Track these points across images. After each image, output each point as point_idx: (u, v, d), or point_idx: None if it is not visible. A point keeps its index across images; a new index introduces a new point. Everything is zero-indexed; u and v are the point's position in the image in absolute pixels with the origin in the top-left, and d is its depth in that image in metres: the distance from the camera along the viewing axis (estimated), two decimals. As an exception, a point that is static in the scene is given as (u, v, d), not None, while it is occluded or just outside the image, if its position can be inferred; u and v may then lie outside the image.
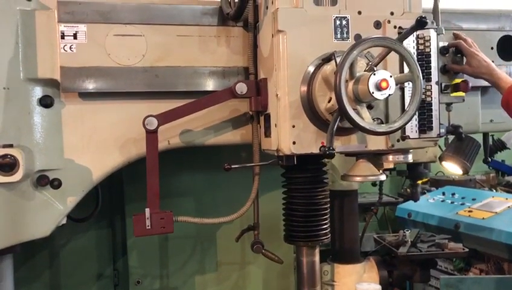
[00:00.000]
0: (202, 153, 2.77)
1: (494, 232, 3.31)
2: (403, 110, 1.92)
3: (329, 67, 1.86)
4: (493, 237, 3.31)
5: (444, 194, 4.28)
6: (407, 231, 2.92)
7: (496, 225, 3.35)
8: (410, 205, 4.15)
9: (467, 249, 2.83)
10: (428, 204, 4.16)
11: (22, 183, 1.99)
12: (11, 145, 1.92)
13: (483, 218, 3.50)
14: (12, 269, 2.13)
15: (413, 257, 2.69)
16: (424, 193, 4.47)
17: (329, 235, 2.27)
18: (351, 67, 1.72)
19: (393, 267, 2.66)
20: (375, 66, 1.74)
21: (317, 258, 2.31)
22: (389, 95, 1.68)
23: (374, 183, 3.02)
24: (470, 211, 3.71)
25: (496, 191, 4.74)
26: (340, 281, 2.54)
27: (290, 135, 1.92)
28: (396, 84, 1.73)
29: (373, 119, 1.88)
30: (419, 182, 2.91)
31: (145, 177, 2.04)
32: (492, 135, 4.33)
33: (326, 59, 1.89)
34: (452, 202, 4.07)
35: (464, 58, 2.22)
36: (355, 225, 2.65)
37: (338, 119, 1.79)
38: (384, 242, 2.92)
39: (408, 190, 4.34)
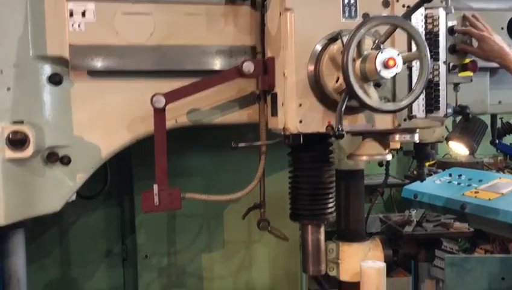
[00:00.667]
0: (210, 134, 2.80)
1: (500, 213, 3.30)
2: (411, 89, 1.91)
3: (336, 47, 1.86)
4: (499, 217, 3.30)
5: (450, 175, 4.27)
6: (413, 210, 2.93)
7: (502, 206, 3.34)
8: (416, 186, 4.14)
9: (472, 229, 2.84)
10: (435, 185, 4.15)
11: (32, 160, 2.02)
12: (21, 122, 1.95)
13: (489, 199, 3.50)
14: (24, 243, 2.18)
15: (419, 236, 2.70)
16: (431, 175, 4.46)
17: (334, 214, 2.29)
18: (359, 45, 1.72)
19: (398, 247, 2.67)
20: (382, 44, 1.73)
21: (322, 236, 2.33)
22: (396, 73, 1.69)
23: (380, 164, 3.02)
24: (476, 192, 3.70)
25: (504, 173, 4.73)
26: (345, 260, 2.55)
27: (297, 113, 1.92)
28: (404, 63, 1.73)
29: (380, 98, 1.88)
30: (427, 164, 2.90)
31: (154, 156, 2.06)
32: (501, 118, 4.30)
33: (333, 39, 1.89)
34: (459, 183, 4.05)
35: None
36: (360, 204, 2.65)
37: (346, 99, 1.80)
38: (389, 222, 2.94)
39: (415, 171, 4.33)
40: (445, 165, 4.97)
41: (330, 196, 2.25)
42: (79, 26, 2.05)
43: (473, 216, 3.47)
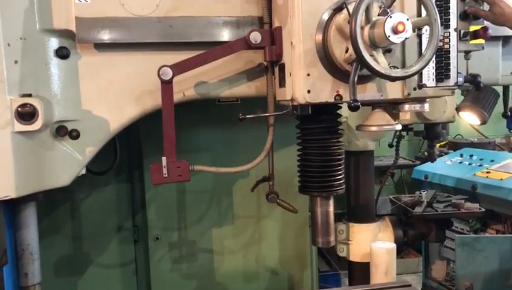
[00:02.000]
0: (218, 110, 2.80)
1: None
2: (421, 57, 1.88)
3: (342, 17, 1.83)
4: (511, 197, 3.27)
5: (461, 156, 4.23)
6: (424, 191, 2.91)
7: None
8: (427, 166, 4.12)
9: (483, 209, 2.81)
10: (446, 166, 4.12)
11: (41, 133, 2.03)
12: (29, 95, 1.96)
13: (501, 179, 3.47)
14: (35, 216, 2.21)
15: (429, 217, 2.69)
16: (442, 156, 4.42)
17: (343, 186, 2.28)
18: (367, 11, 1.69)
19: (408, 227, 2.66)
20: (389, 8, 1.70)
21: (331, 208, 2.33)
22: (406, 38, 1.66)
23: (390, 145, 3.00)
24: (487, 172, 3.66)
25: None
26: (355, 240, 2.56)
27: (305, 83, 1.91)
28: (413, 29, 1.70)
29: (390, 67, 1.85)
30: (438, 145, 2.87)
31: (162, 132, 2.06)
32: (515, 97, 4.23)
33: (338, 9, 1.85)
34: (470, 164, 4.02)
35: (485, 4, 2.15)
36: (370, 184, 2.65)
37: (358, 68, 1.77)
38: (399, 203, 2.93)
39: (425, 153, 4.31)
40: (456, 145, 4.92)
41: (339, 167, 2.24)
42: (85, -2, 2.04)
43: (484, 196, 3.45)
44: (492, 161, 3.89)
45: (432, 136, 2.68)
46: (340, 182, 2.26)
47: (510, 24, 2.09)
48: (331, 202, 2.33)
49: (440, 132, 2.65)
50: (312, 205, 2.36)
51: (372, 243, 2.44)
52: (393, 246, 2.43)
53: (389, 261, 2.39)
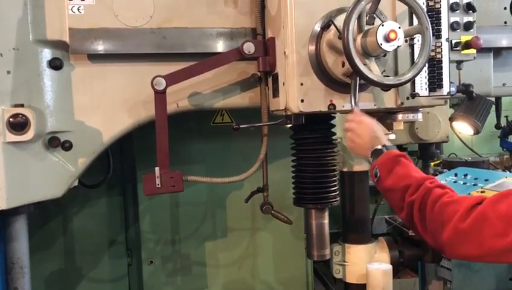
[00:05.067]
0: (212, 121, 2.79)
1: None
2: (413, 67, 1.89)
3: (332, 32, 1.84)
4: (506, 217, 3.26)
5: (456, 175, 4.20)
6: (419, 211, 2.89)
7: None
8: (422, 186, 4.11)
9: (479, 229, 2.79)
10: (441, 185, 4.12)
11: (34, 144, 2.01)
12: (22, 105, 1.95)
13: (496, 199, 3.46)
14: (26, 229, 2.16)
15: None
16: (437, 175, 4.43)
17: (338, 198, 2.26)
18: (359, 19, 1.70)
19: (404, 248, 2.64)
20: (373, 13, 1.72)
21: (326, 220, 2.30)
22: (398, 46, 1.67)
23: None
24: (482, 192, 3.64)
25: (510, 172, 4.68)
26: (351, 261, 2.52)
27: (298, 92, 1.91)
28: (405, 37, 1.71)
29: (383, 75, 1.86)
30: (432, 164, 2.88)
31: (156, 145, 2.05)
32: (507, 116, 4.27)
33: (325, 27, 1.86)
34: (464, 183, 3.99)
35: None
36: (365, 205, 2.62)
37: (358, 80, 1.77)
38: (395, 223, 2.91)
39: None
40: (450, 164, 4.90)
41: (333, 179, 2.22)
42: (78, 9, 2.05)
43: (479, 216, 3.43)
44: (486, 180, 3.86)
45: (426, 156, 2.70)
46: (335, 193, 2.25)
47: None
48: (326, 214, 2.31)
49: (434, 152, 2.68)
50: (307, 217, 2.33)
51: (369, 264, 2.41)
52: (390, 267, 2.40)
53: (385, 283, 2.35)
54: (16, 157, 1.96)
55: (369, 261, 2.44)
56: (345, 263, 2.52)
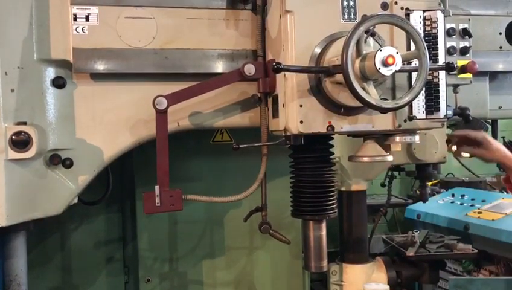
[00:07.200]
0: (211, 139, 2.82)
1: (504, 233, 3.25)
2: (411, 91, 1.92)
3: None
4: (503, 238, 3.25)
5: (453, 195, 4.24)
6: (416, 231, 2.91)
7: (505, 226, 3.29)
8: (419, 206, 4.12)
9: (476, 250, 2.80)
10: (438, 205, 4.12)
11: (35, 161, 2.03)
12: (24, 123, 1.97)
13: (492, 219, 3.45)
14: (25, 246, 2.17)
15: (422, 258, 2.69)
16: (434, 195, 4.44)
17: (336, 210, 2.25)
18: (358, 44, 1.74)
19: (401, 268, 2.65)
20: (372, 37, 1.76)
21: (324, 232, 2.29)
22: (396, 71, 1.70)
23: (383, 185, 3.03)
24: (479, 213, 3.65)
25: (507, 193, 4.70)
26: (349, 281, 2.53)
27: (298, 114, 1.94)
28: (403, 62, 1.75)
29: (381, 99, 1.89)
30: (429, 183, 2.90)
31: (155, 163, 2.07)
32: (503, 137, 4.30)
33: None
34: (462, 204, 4.02)
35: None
36: (363, 225, 2.64)
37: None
38: (392, 243, 2.93)
39: (418, 191, 4.34)
40: (447, 184, 4.95)
41: (332, 189, 2.22)
42: (83, 30, 2.08)
43: (476, 237, 3.42)
44: (483, 201, 3.89)
45: (423, 176, 2.72)
46: (333, 205, 2.24)
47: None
48: (324, 225, 2.30)
49: (431, 172, 2.70)
50: (305, 229, 2.33)
51: (366, 284, 2.41)
52: (387, 288, 2.40)
53: (382, 303, 2.37)
54: (17, 175, 1.97)
55: (366, 281, 2.44)
56: (342, 283, 2.52)
